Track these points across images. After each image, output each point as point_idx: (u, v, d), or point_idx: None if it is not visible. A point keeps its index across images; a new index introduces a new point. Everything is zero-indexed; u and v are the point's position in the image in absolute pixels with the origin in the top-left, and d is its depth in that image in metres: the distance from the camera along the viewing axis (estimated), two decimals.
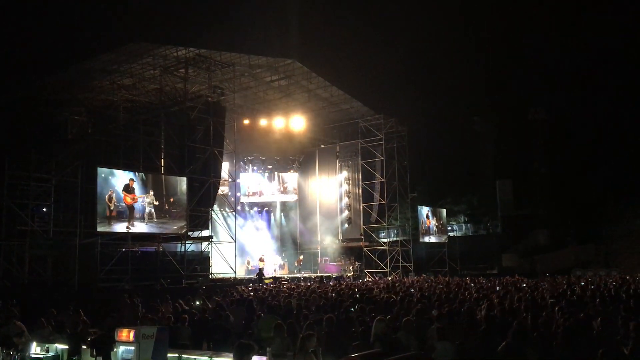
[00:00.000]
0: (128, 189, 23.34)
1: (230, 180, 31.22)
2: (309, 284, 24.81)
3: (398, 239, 38.64)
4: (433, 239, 40.27)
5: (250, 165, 38.31)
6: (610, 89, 50.78)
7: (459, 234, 46.58)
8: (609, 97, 50.64)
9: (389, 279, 31.32)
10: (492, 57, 54.40)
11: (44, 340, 9.27)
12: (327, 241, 39.26)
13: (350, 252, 38.81)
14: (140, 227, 23.84)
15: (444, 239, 41.44)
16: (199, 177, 27.56)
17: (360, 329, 8.69)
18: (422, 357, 7.14)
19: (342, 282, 26.89)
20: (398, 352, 7.20)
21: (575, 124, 49.99)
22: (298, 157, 40.23)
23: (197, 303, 14.85)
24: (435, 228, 40.57)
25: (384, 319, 8.37)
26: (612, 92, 50.92)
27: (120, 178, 23.42)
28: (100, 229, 22.56)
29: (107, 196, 22.54)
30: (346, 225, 39.86)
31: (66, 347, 8.72)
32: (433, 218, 40.55)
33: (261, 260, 32.48)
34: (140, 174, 24.64)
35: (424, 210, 39.77)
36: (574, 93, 50.75)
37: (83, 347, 8.34)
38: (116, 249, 24.13)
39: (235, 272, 28.00)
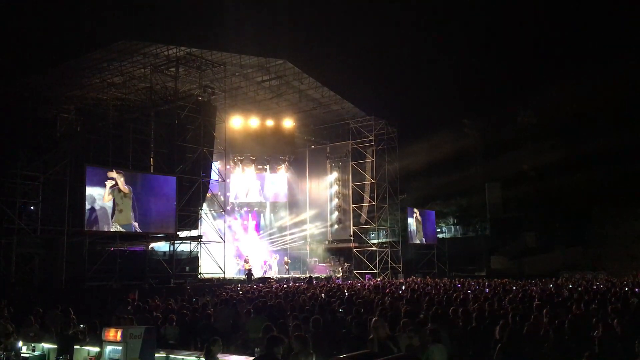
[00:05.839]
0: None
1: (220, 180, 31.14)
2: (297, 284, 24.76)
3: (387, 240, 38.69)
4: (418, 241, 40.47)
5: (241, 165, 38.19)
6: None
7: (448, 235, 46.79)
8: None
9: (378, 280, 31.38)
10: (482, 60, 54.73)
11: (30, 339, 9.19)
12: (316, 242, 39.22)
13: (339, 253, 38.77)
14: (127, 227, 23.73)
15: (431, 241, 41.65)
16: (188, 177, 27.43)
17: (348, 330, 8.67)
18: (411, 358, 7.15)
19: (331, 283, 26.89)
20: (390, 353, 7.21)
21: (564, 128, 50.30)
22: (288, 157, 40.15)
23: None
24: (422, 229, 40.75)
25: (380, 320, 8.35)
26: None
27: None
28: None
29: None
30: (336, 226, 39.83)
31: (53, 346, 8.63)
32: (421, 221, 40.73)
33: (246, 261, 32.27)
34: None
35: (413, 213, 39.93)
36: (562, 96, 51.04)
37: (75, 347, 8.25)
38: (104, 247, 23.95)
39: (224, 272, 27.87)
